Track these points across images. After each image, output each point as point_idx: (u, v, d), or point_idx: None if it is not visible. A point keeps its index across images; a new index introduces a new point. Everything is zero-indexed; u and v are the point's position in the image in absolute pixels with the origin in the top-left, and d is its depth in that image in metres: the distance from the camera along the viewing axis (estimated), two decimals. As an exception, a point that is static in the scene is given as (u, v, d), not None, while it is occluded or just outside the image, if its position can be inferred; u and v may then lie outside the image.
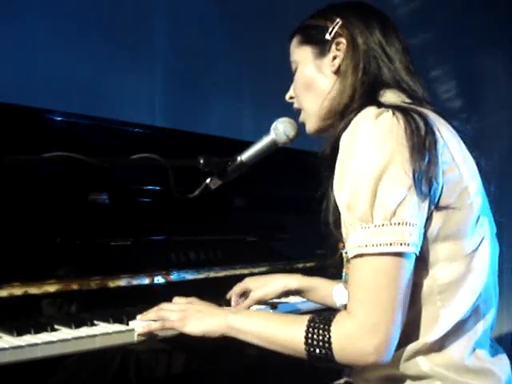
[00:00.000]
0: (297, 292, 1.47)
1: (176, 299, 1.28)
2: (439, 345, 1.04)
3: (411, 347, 1.04)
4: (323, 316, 1.05)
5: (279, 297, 1.48)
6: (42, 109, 1.48)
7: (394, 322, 0.98)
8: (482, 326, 1.08)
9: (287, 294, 1.48)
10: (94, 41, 2.27)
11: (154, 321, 1.21)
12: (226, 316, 1.15)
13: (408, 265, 0.99)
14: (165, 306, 1.24)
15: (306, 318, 1.06)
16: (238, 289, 1.49)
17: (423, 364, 1.04)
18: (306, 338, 1.03)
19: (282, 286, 1.45)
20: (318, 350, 1.02)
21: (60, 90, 2.09)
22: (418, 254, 1.00)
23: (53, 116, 1.49)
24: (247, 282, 1.49)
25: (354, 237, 1.01)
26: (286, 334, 1.07)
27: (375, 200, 0.99)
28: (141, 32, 2.46)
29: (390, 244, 0.97)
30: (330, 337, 1.01)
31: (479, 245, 1.07)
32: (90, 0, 2.29)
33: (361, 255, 1.00)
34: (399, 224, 0.98)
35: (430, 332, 1.04)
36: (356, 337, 0.99)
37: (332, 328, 1.01)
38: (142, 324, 1.22)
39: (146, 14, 2.51)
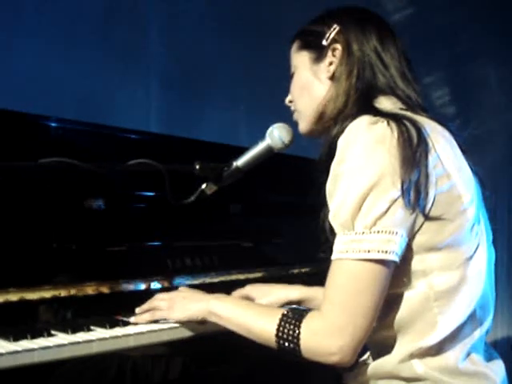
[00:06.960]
0: (298, 302, 1.46)
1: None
2: (435, 349, 1.05)
3: (407, 350, 1.05)
4: (296, 311, 1.07)
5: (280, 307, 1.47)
6: (38, 115, 1.48)
7: (361, 327, 1.00)
8: (479, 332, 1.09)
9: (289, 304, 1.46)
10: (90, 47, 2.27)
11: None
12: (208, 301, 1.20)
13: (385, 272, 1.01)
14: (157, 296, 1.30)
15: (281, 311, 1.09)
16: (237, 295, 1.47)
17: (418, 367, 1.05)
18: (278, 330, 1.06)
19: (284, 296, 1.44)
20: (286, 344, 1.05)
21: (55, 97, 2.09)
22: (398, 262, 1.01)
23: (48, 122, 1.49)
24: (248, 290, 1.47)
25: (336, 242, 1.03)
26: (260, 324, 1.11)
27: (359, 210, 1.00)
28: (136, 38, 2.47)
29: (369, 251, 0.99)
30: (299, 333, 1.04)
31: (474, 252, 1.08)
32: (86, 6, 2.29)
33: (340, 259, 1.02)
34: (379, 232, 0.99)
35: (426, 337, 1.05)
36: (322, 335, 1.02)
37: (302, 324, 1.04)
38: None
39: (142, 19, 2.51)
